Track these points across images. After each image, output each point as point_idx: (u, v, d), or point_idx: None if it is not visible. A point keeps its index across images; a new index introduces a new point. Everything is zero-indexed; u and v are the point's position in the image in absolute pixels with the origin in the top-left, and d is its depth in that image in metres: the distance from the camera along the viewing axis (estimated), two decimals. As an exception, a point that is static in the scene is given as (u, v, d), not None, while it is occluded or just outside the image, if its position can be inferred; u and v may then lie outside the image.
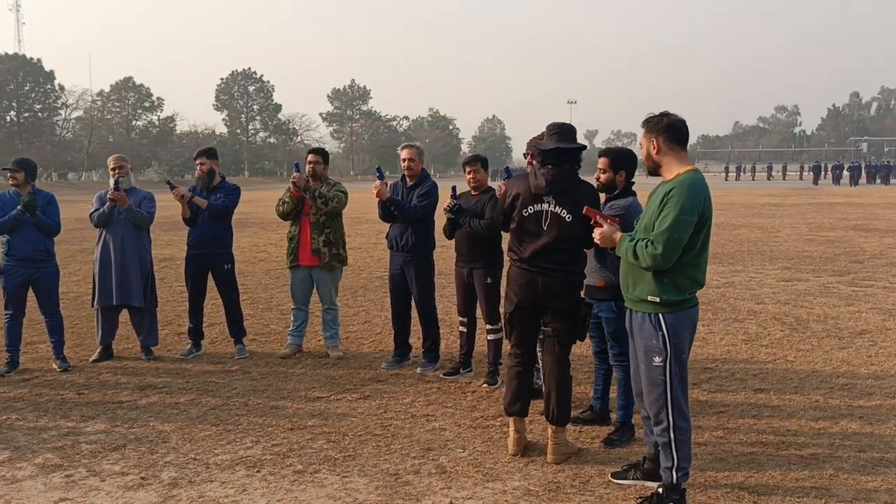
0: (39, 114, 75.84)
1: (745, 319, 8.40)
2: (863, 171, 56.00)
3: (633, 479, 4.14)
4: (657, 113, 3.80)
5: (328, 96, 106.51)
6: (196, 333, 7.12)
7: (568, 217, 4.39)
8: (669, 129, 3.72)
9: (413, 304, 6.64)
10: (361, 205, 29.81)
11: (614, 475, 4.22)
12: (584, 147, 4.59)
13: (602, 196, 4.80)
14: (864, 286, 10.46)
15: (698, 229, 3.63)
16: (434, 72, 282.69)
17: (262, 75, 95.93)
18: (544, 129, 4.67)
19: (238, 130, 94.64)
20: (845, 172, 55.78)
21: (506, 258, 4.99)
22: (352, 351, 7.20)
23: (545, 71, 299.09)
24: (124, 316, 7.15)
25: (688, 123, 3.77)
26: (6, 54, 74.45)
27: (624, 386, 4.83)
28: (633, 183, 4.94)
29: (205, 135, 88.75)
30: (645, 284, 3.72)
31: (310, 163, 6.97)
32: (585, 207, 4.08)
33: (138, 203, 6.81)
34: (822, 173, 56.80)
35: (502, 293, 5.10)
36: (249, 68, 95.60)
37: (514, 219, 4.57)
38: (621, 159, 4.84)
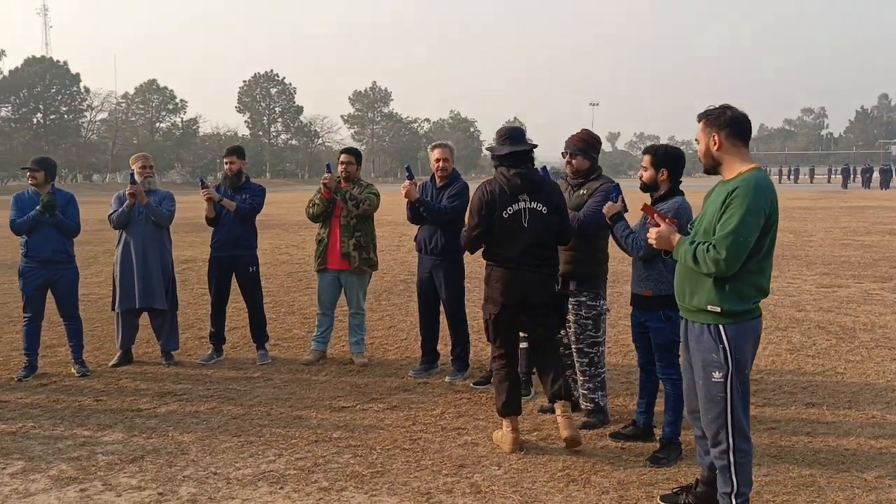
0: (65, 116, 76.62)
1: (787, 328, 8.04)
2: (894, 174, 54.89)
3: (685, 503, 3.83)
4: (717, 106, 3.50)
5: (349, 98, 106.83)
6: (218, 338, 6.90)
7: (544, 210, 4.67)
8: (733, 124, 3.42)
9: (441, 309, 6.38)
10: (384, 206, 29.64)
11: (664, 498, 3.92)
12: (535, 146, 4.81)
13: (646, 197, 4.53)
14: (908, 293, 10.04)
15: (764, 232, 3.33)
16: (455, 74, 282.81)
17: (283, 77, 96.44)
18: (496, 134, 4.93)
19: (260, 132, 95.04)
20: (875, 175, 54.77)
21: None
22: (377, 358, 6.94)
23: (567, 73, 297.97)
24: (144, 319, 6.95)
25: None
26: (33, 57, 75.35)
27: (673, 401, 4.52)
28: (681, 182, 4.64)
29: (227, 137, 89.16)
30: (704, 293, 3.42)
31: (342, 163, 6.74)
32: (643, 204, 3.79)
33: (158, 202, 6.61)
34: (851, 176, 55.79)
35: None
36: (271, 70, 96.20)
37: (494, 223, 4.70)
38: (664, 157, 4.55)
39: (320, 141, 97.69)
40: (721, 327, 3.40)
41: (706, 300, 3.41)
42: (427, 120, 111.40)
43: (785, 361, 6.70)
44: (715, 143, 3.46)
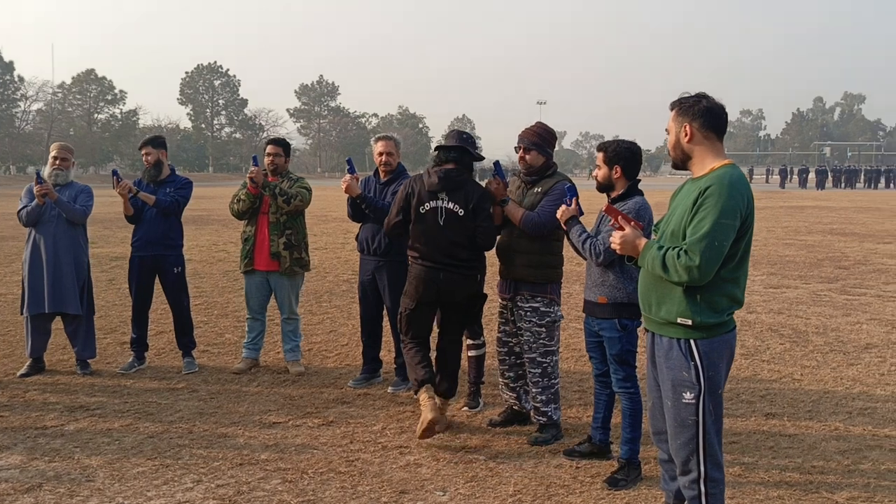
0: (-2, 106, 73.40)
1: (739, 330, 7.81)
2: (829, 175, 56.40)
3: (649, 533, 3.47)
4: (692, 94, 3.13)
5: (295, 92, 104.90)
6: (139, 344, 6.32)
7: (460, 212, 4.61)
8: (707, 115, 3.06)
9: (385, 313, 5.93)
10: (329, 202, 29.02)
11: (625, 528, 3.55)
12: (466, 150, 4.73)
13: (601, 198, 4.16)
14: (856, 294, 9.97)
15: (740, 236, 2.97)
16: (404, 69, 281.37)
17: (227, 69, 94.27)
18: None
19: (203, 125, 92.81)
20: (811, 176, 56.17)
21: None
22: (315, 366, 6.45)
23: (516, 71, 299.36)
24: (60, 324, 6.32)
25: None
26: (-38, 44, 71.91)
27: (630, 416, 4.17)
28: (639, 181, 4.29)
29: (169, 129, 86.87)
30: (673, 303, 3.05)
31: (269, 155, 6.22)
32: (605, 206, 3.41)
33: (74, 197, 5.99)
34: (789, 176, 57.11)
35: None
36: (215, 62, 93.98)
37: (411, 216, 4.76)
38: (616, 152, 4.19)
39: (265, 134, 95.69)
40: (692, 342, 3.04)
41: (676, 312, 3.05)
42: (375, 115, 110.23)
43: (740, 367, 6.44)
44: (686, 135, 3.09)
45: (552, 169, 4.78)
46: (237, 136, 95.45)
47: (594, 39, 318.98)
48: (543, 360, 4.71)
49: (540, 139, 4.71)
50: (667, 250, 3.00)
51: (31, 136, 76.52)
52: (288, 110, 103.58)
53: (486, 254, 5.18)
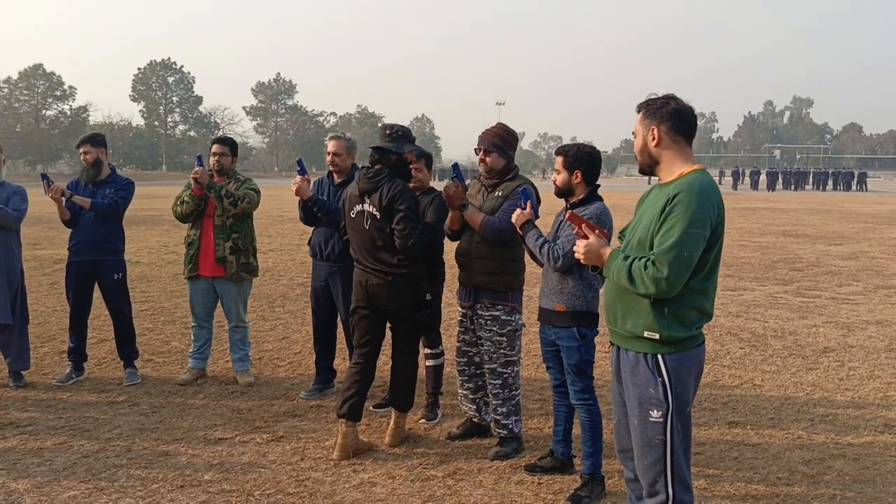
0: (-63, 101, 70.84)
1: (700, 335, 7.73)
2: (779, 177, 57.53)
3: (614, 556, 3.30)
4: (660, 95, 2.96)
5: (252, 90, 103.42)
6: (77, 354, 5.96)
7: (377, 214, 4.44)
8: (675, 117, 2.89)
9: (339, 321, 5.69)
10: (284, 202, 28.49)
11: (589, 550, 3.38)
12: (380, 148, 4.54)
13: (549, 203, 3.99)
14: (811, 297, 10.02)
15: (710, 246, 2.82)
16: (363, 68, 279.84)
17: (182, 66, 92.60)
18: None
19: (156, 123, 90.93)
20: (762, 178, 57.22)
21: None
22: (265, 375, 6.17)
23: (474, 71, 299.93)
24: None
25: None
26: None
27: (590, 429, 4.00)
28: (598, 186, 4.13)
29: (120, 126, 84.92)
30: (640, 316, 2.88)
31: (214, 154, 5.91)
32: (569, 213, 3.22)
33: (5, 200, 5.61)
34: (741, 178, 58.12)
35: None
36: (169, 58, 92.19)
37: (346, 220, 4.69)
38: (577, 157, 4.02)
39: (220, 132, 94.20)
40: (660, 357, 2.87)
41: (642, 325, 2.88)
42: (333, 114, 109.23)
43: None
44: (654, 138, 2.92)
45: (513, 172, 4.59)
46: (192, 133, 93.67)
47: (554, 40, 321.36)
48: (504, 370, 4.52)
49: (501, 141, 4.51)
50: (633, 260, 2.83)
51: (-25, 133, 74.07)
52: (244, 108, 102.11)
53: (446, 259, 4.99)
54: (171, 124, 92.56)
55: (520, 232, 4.14)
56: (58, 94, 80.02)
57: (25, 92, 78.77)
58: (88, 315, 6.04)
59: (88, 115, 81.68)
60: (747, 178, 58.58)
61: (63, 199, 5.64)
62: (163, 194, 35.14)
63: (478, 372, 4.75)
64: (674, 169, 2.91)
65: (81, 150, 5.91)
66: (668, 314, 2.83)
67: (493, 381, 4.54)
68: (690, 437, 2.95)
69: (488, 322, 4.48)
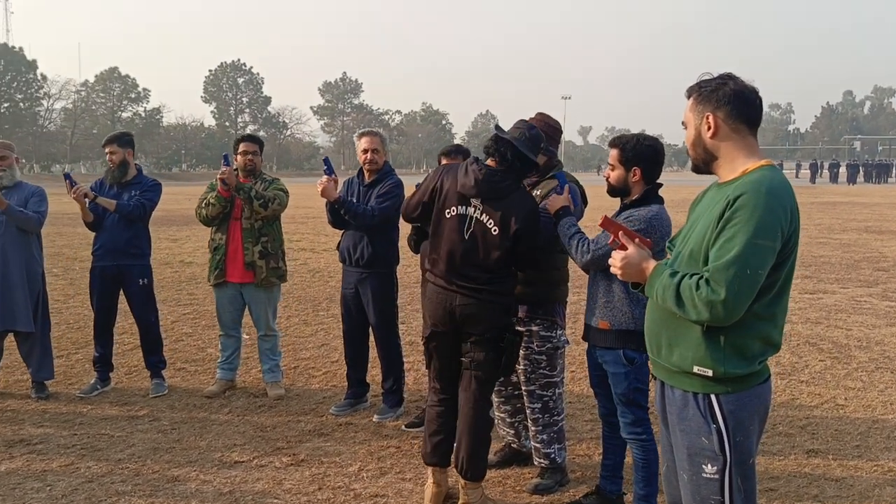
0: (21, 104, 73.92)
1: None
2: (860, 170, 54.84)
3: None
4: (715, 75, 2.41)
5: (319, 89, 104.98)
6: (103, 364, 5.70)
7: (494, 230, 3.58)
8: (735, 101, 2.33)
9: (371, 331, 5.27)
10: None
11: None
12: (536, 163, 3.72)
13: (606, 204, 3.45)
14: (900, 301, 9.13)
15: (780, 261, 2.25)
16: (427, 66, 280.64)
17: (251, 67, 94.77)
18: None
19: (227, 123, 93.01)
20: (842, 170, 54.64)
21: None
22: (298, 387, 5.80)
23: (540, 66, 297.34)
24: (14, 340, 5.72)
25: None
26: (-12, 43, 72.58)
27: (643, 469, 3.46)
28: (660, 186, 3.57)
29: (193, 127, 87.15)
30: (689, 347, 2.34)
31: (244, 154, 5.56)
32: (603, 217, 2.69)
33: (24, 201, 5.37)
34: (819, 171, 55.61)
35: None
36: (239, 60, 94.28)
37: (433, 218, 3.74)
38: (636, 151, 3.45)
39: (289, 132, 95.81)
40: (714, 398, 2.32)
41: (692, 358, 2.33)
42: (398, 112, 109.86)
43: (776, 389, 5.68)
44: (709, 128, 2.37)
45: (556, 168, 4.07)
46: (261, 133, 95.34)
47: (616, 32, 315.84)
48: (544, 392, 4.00)
49: (544, 145, 3.98)
50: (682, 278, 2.29)
51: (55, 135, 77.06)
52: (311, 108, 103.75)
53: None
54: (241, 124, 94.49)
55: (553, 219, 3.66)
56: (132, 96, 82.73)
57: (102, 94, 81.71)
58: (114, 323, 5.78)
59: (162, 117, 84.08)
60: (826, 171, 56.07)
61: (86, 200, 5.38)
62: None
63: (516, 393, 4.26)
64: (735, 165, 2.36)
65: (108, 150, 5.64)
66: (725, 345, 2.28)
67: (532, 405, 4.03)
68: (755, 494, 2.39)
69: (525, 338, 3.97)
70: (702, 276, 2.23)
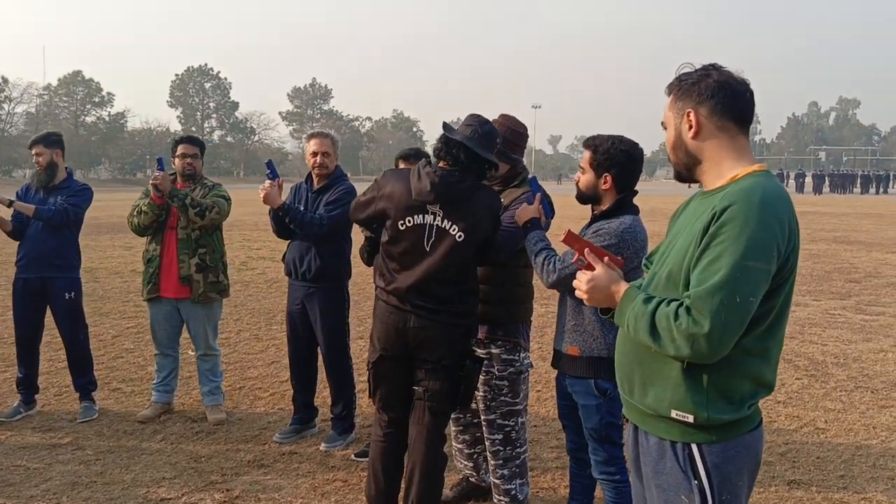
0: (-21, 108, 72.18)
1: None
2: (826, 180, 55.52)
3: None
4: (698, 66, 2.06)
5: (288, 95, 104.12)
6: (27, 385, 5.21)
7: (459, 236, 3.23)
8: (721, 94, 1.99)
9: (320, 351, 4.85)
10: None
11: None
12: (493, 162, 3.36)
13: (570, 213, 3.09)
14: (874, 314, 8.91)
15: (777, 286, 1.90)
16: (398, 73, 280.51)
17: (219, 72, 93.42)
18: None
19: (193, 128, 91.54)
20: (808, 180, 55.25)
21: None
22: (242, 410, 5.36)
23: (508, 73, 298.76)
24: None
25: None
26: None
27: (616, 511, 3.10)
28: (635, 193, 3.23)
29: (158, 132, 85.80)
30: (666, 387, 1.99)
31: (184, 156, 5.12)
32: (566, 231, 2.33)
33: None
34: (785, 181, 56.15)
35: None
36: (206, 64, 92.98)
37: (386, 231, 3.35)
38: (608, 154, 3.11)
39: (257, 138, 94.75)
40: (696, 449, 1.96)
41: (670, 401, 1.98)
42: (369, 118, 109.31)
43: (752, 412, 5.37)
44: (690, 127, 2.03)
45: (521, 177, 3.70)
46: (229, 139, 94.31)
47: (586, 44, 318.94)
48: (506, 422, 3.62)
49: (501, 142, 3.62)
50: (659, 305, 1.93)
51: (17, 140, 75.25)
52: (280, 113, 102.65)
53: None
54: (207, 130, 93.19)
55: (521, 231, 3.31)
56: (97, 100, 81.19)
57: (65, 98, 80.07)
58: (39, 340, 5.29)
59: (126, 122, 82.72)
60: (792, 181, 56.65)
61: (2, 206, 4.90)
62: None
63: (475, 421, 3.87)
64: (722, 170, 2.01)
65: (34, 152, 5.18)
66: (709, 386, 1.92)
67: (492, 437, 3.65)
68: (746, 560, 2.03)
69: (485, 362, 3.59)
70: (681, 304, 1.87)
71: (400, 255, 3.31)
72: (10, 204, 4.90)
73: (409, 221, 3.27)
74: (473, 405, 3.79)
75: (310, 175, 4.82)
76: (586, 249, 2.15)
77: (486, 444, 3.69)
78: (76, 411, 5.22)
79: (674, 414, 1.96)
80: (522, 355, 3.64)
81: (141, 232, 5.04)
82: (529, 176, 3.66)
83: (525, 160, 3.89)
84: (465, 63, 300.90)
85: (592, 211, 3.24)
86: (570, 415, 3.27)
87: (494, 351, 3.59)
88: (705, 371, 1.93)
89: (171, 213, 4.98)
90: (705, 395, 1.94)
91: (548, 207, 3.47)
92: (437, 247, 3.24)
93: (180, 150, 5.13)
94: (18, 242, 5.17)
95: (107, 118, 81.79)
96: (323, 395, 5.21)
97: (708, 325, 1.80)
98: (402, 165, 4.27)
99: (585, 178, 3.17)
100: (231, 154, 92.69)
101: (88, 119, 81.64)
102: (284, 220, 4.58)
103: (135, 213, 5.00)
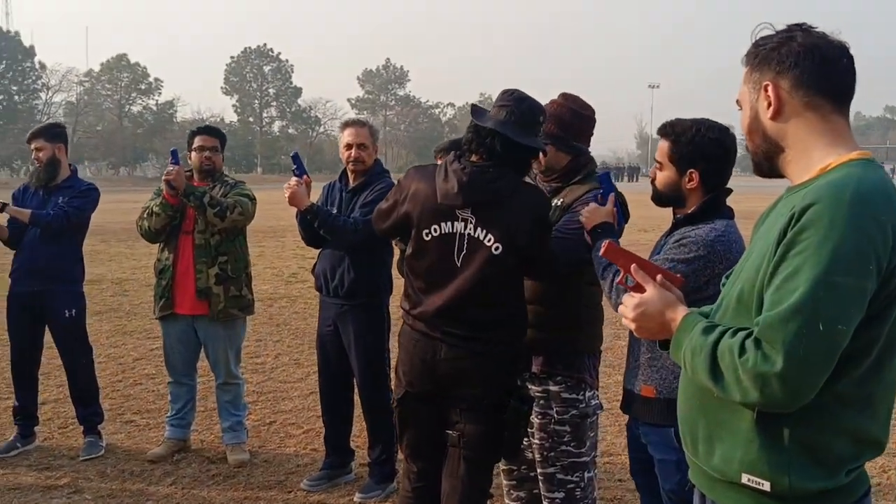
0: (16, 97, 76.54)
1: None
2: None
3: None
4: (778, 29, 1.90)
5: (358, 79, 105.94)
6: (25, 416, 5.38)
7: (496, 248, 3.10)
8: (808, 61, 1.81)
9: (355, 381, 4.83)
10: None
11: None
12: (538, 148, 3.25)
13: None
14: None
15: (881, 309, 1.70)
16: (486, 51, 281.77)
17: (279, 53, 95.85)
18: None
19: (251, 118, 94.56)
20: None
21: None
22: (269, 449, 5.40)
23: (621, 48, 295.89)
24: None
25: None
26: (-21, 27, 75.31)
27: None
28: (729, 192, 3.06)
29: (212, 122, 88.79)
30: (736, 443, 1.83)
31: (201, 149, 5.20)
32: (606, 244, 2.20)
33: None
34: (893, 174, 53.47)
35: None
36: (265, 45, 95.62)
37: (409, 243, 3.30)
38: (693, 145, 2.94)
39: (322, 129, 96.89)
40: None
41: (740, 461, 1.82)
42: (451, 104, 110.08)
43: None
44: (769, 104, 1.86)
45: (585, 170, 3.56)
46: (290, 130, 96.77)
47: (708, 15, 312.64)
48: (568, 477, 3.48)
49: (560, 128, 3.49)
50: (722, 335, 1.77)
51: (55, 132, 79.57)
52: (349, 100, 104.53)
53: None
54: (266, 120, 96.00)
55: (588, 239, 3.17)
56: (142, 87, 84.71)
57: (108, 86, 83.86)
58: (38, 363, 5.46)
59: (176, 111, 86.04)
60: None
61: None
62: (259, 200, 35.87)
63: (532, 475, 3.73)
64: (811, 159, 1.83)
65: (33, 146, 5.34)
66: (791, 443, 1.75)
67: (551, 495, 3.51)
68: None
69: (541, 402, 3.47)
70: (750, 334, 1.71)
71: (426, 272, 3.24)
72: (2, 208, 5.07)
73: (436, 230, 3.19)
74: (530, 455, 3.67)
75: (344, 172, 4.81)
76: (633, 265, 2.01)
77: (544, 502, 3.56)
78: (80, 447, 5.36)
79: (745, 479, 1.80)
80: (588, 394, 3.49)
81: (152, 237, 5.14)
82: (600, 171, 3.52)
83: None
84: (550, 36, 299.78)
85: (674, 214, 3.08)
86: (645, 471, 3.10)
87: (553, 388, 3.46)
88: (786, 423, 1.76)
89: (186, 215, 5.05)
90: (786, 454, 1.77)
91: (621, 211, 3.33)
92: (470, 261, 3.15)
93: (197, 141, 5.21)
94: (14, 252, 5.36)
95: (154, 108, 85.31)
96: (363, 436, 5.18)
97: (781, 361, 1.64)
98: (439, 162, 4.21)
99: (664, 175, 3.01)
100: (293, 147, 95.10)
101: (133, 108, 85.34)
102: (313, 225, 4.58)
103: (145, 215, 5.10)
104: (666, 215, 3.16)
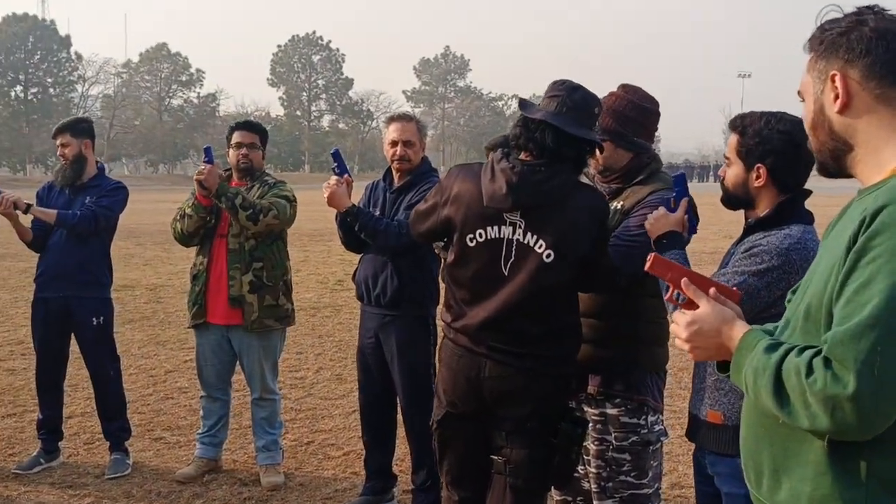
0: (51, 89, 78.68)
1: None
2: None
3: None
4: (847, 12, 1.88)
5: (415, 68, 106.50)
6: (49, 430, 5.53)
7: (547, 255, 3.10)
8: (881, 48, 1.78)
9: (399, 399, 4.87)
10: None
11: None
12: (594, 142, 3.24)
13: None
14: None
15: None
16: (551, 38, 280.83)
17: (329, 41, 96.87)
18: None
19: (298, 112, 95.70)
20: None
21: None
22: (306, 471, 5.48)
23: (708, 34, 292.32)
24: None
25: None
26: (14, 15, 77.39)
27: None
28: (808, 194, 3.01)
29: (256, 117, 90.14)
30: (805, 476, 1.81)
31: (237, 146, 5.29)
32: (652, 258, 2.19)
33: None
34: None
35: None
36: (314, 32, 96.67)
37: (452, 249, 3.33)
38: (761, 138, 2.90)
39: (374, 124, 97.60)
40: None
41: (810, 496, 1.79)
42: (515, 96, 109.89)
43: None
44: (837, 97, 1.84)
45: (648, 169, 3.54)
46: (341, 125, 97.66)
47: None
48: (627, 509, 3.47)
49: (619, 122, 3.47)
50: (787, 354, 1.75)
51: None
52: (404, 92, 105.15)
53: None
54: (315, 114, 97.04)
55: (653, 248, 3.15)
56: (183, 79, 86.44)
57: (147, 77, 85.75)
58: (64, 374, 5.62)
59: (219, 105, 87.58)
60: None
61: (18, 212, 5.24)
62: (305, 201, 36.28)
63: (586, 505, 3.73)
64: (882, 158, 1.80)
65: (59, 142, 5.50)
66: (868, 476, 1.72)
67: (607, 527, 3.50)
68: None
69: (598, 426, 3.46)
70: (818, 352, 1.69)
71: (470, 281, 3.26)
72: (26, 209, 5.23)
73: (481, 235, 3.21)
74: (586, 485, 3.66)
75: (388, 171, 4.85)
76: (683, 279, 1.99)
77: (602, 537, 3.55)
78: (106, 464, 5.49)
79: (815, 514, 1.78)
80: (651, 419, 3.47)
81: (185, 240, 5.26)
82: (675, 173, 3.49)
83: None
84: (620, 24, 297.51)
85: (746, 218, 3.05)
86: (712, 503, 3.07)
87: (611, 412, 3.45)
88: (863, 453, 1.72)
89: (221, 217, 5.15)
90: (863, 490, 1.73)
91: (693, 218, 3.30)
92: (519, 269, 3.16)
93: (235, 137, 5.30)
94: (39, 256, 5.51)
95: (195, 101, 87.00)
96: (407, 459, 5.21)
97: (854, 382, 1.61)
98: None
99: (732, 171, 2.98)
100: (343, 144, 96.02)
101: (174, 102, 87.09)
102: (353, 227, 4.62)
103: (178, 216, 5.22)
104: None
